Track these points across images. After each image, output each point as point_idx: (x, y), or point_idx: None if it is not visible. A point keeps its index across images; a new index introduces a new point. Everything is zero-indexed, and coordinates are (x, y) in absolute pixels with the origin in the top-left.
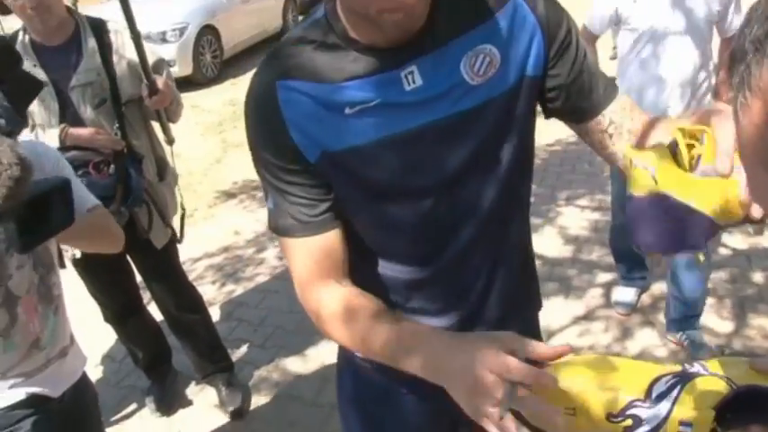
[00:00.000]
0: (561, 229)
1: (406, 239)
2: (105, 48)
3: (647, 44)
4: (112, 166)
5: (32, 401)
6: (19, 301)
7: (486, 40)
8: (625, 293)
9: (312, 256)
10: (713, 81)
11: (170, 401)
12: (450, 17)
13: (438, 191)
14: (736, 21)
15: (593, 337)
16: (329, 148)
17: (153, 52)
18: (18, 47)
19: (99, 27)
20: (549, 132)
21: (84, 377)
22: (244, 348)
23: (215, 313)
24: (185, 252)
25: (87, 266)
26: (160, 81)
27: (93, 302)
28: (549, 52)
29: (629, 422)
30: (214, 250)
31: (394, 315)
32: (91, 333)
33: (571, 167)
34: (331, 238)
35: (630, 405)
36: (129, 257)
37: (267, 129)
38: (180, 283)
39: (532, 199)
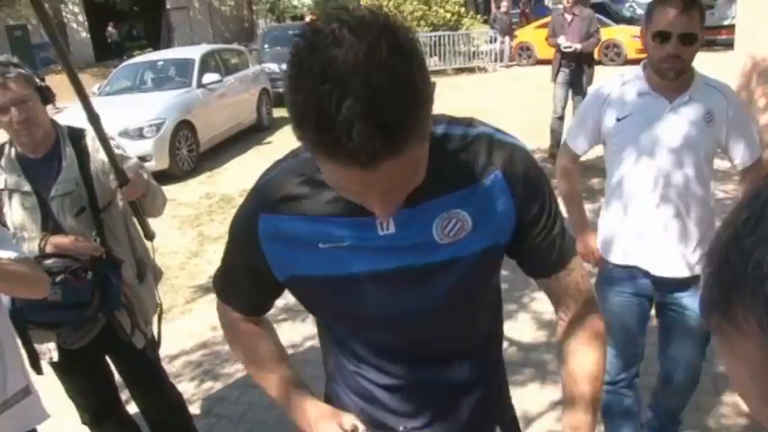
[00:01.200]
0: (535, 315)
1: (370, 352)
2: (82, 155)
3: (628, 174)
4: (90, 272)
5: None
6: None
7: (461, 206)
8: None
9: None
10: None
11: None
12: (434, 178)
13: (398, 329)
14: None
15: None
16: (299, 272)
17: (123, 156)
18: (4, 160)
19: (77, 136)
20: None
21: None
22: None
23: (194, 410)
24: (163, 350)
25: (64, 369)
26: (129, 171)
27: (70, 405)
28: (519, 227)
29: None
30: (192, 346)
31: (285, 366)
32: None
33: None
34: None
35: None
36: (108, 359)
37: (244, 248)
38: (160, 383)
39: (505, 285)
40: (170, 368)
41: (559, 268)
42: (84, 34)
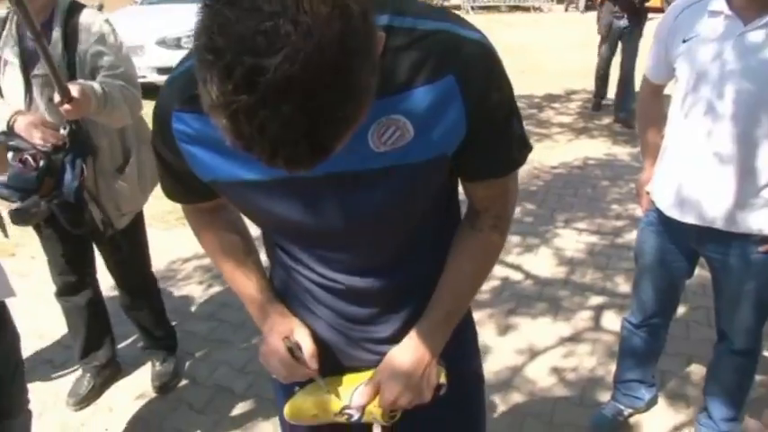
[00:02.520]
0: (556, 251)
1: (303, 254)
2: (72, 36)
3: (687, 112)
4: (42, 161)
5: None
6: None
7: (401, 111)
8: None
9: (206, 207)
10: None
11: (87, 396)
12: None
13: (327, 235)
14: None
15: (577, 360)
16: (219, 177)
17: (105, 38)
18: (5, 30)
19: (72, 11)
20: (554, 155)
21: (4, 316)
22: (222, 349)
23: (198, 312)
24: (176, 251)
25: (42, 237)
26: (75, 89)
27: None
28: (468, 136)
29: (345, 417)
30: (203, 252)
31: (251, 263)
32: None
33: (573, 191)
34: (221, 201)
35: (344, 408)
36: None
37: (163, 144)
38: (129, 269)
39: (530, 219)
40: (181, 270)
41: (495, 176)
42: None
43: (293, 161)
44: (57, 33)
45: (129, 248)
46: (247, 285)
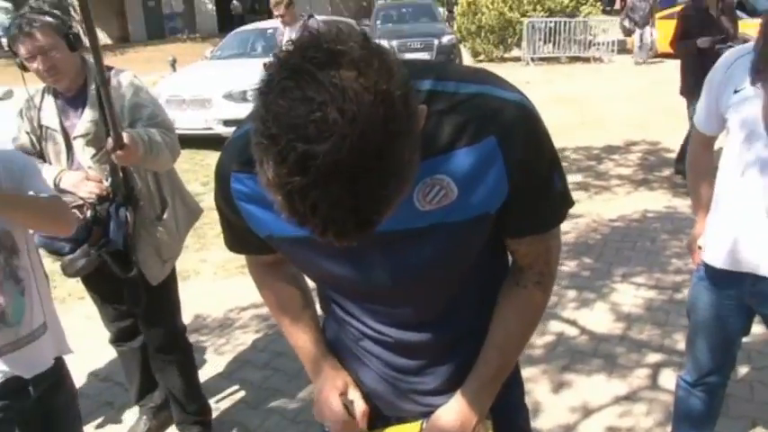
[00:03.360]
0: (613, 306)
1: (354, 307)
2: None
3: (739, 164)
4: (90, 211)
5: (5, 389)
6: None
7: (445, 172)
8: None
9: (267, 261)
10: None
11: None
12: None
13: (373, 293)
14: None
15: (633, 419)
16: (273, 233)
17: (138, 91)
18: (45, 98)
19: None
20: (613, 208)
21: (62, 373)
22: (275, 398)
23: (254, 360)
24: (234, 300)
25: (90, 291)
26: (126, 136)
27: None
28: (510, 195)
29: None
30: (261, 301)
31: (307, 317)
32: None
33: (632, 244)
34: (279, 256)
35: None
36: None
37: (224, 202)
38: (157, 320)
39: (587, 273)
40: (238, 319)
41: (535, 233)
42: (210, 6)
43: (342, 235)
44: (93, 92)
45: (156, 301)
46: (302, 338)
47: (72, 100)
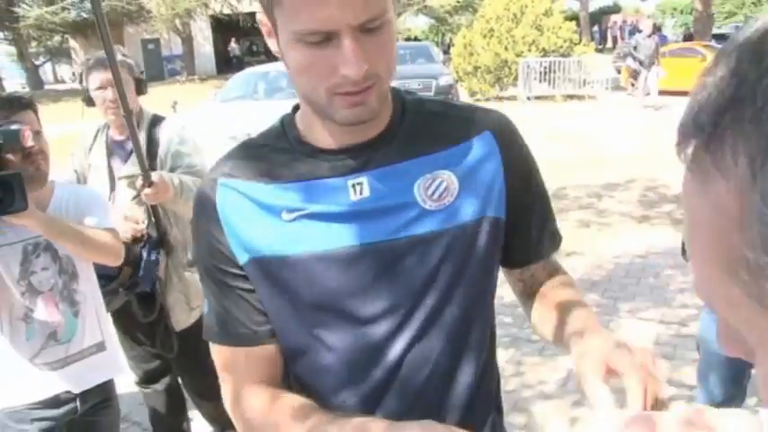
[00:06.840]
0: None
1: (335, 363)
2: (153, 142)
3: None
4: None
5: (55, 402)
6: (39, 295)
7: (446, 166)
8: None
9: (252, 367)
10: None
11: None
12: (413, 133)
13: (372, 320)
14: None
15: None
16: (258, 253)
17: (184, 141)
18: (98, 140)
19: (155, 123)
20: (616, 244)
21: (110, 393)
22: None
23: None
24: None
25: (120, 331)
26: (156, 175)
27: None
28: (508, 195)
29: None
30: None
31: (329, 418)
32: None
33: (636, 280)
34: (272, 350)
35: None
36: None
37: (204, 225)
38: (192, 366)
39: (593, 309)
40: None
41: (544, 256)
42: (209, 48)
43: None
44: (143, 137)
45: (190, 348)
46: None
47: (122, 143)
